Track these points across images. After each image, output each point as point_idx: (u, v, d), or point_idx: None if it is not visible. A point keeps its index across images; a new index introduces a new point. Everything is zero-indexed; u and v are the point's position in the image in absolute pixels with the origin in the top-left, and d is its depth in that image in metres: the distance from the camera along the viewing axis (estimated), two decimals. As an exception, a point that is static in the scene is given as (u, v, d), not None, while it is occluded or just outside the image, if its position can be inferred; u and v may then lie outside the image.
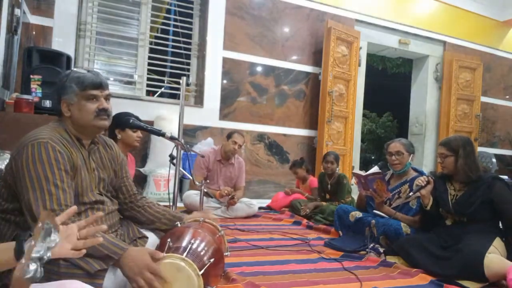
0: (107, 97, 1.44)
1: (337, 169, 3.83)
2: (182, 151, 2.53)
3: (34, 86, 2.80)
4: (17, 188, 1.26)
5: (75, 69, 1.45)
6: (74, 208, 1.01)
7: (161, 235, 1.71)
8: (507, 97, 6.90)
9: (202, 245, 1.38)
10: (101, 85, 1.41)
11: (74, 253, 0.95)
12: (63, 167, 1.28)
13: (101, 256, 1.21)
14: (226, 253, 1.69)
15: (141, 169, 4.12)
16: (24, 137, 1.30)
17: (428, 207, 2.30)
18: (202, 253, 1.35)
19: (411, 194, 2.42)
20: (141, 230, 1.69)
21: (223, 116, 4.77)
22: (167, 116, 4.26)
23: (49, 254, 0.80)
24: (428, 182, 2.34)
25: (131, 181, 1.70)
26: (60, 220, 0.97)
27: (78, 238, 0.97)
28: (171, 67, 4.86)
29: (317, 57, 5.22)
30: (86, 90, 1.38)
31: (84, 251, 0.96)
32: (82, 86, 1.38)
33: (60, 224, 0.95)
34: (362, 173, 2.73)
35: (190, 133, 4.56)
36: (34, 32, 3.87)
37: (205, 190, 2.95)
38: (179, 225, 1.62)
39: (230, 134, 3.70)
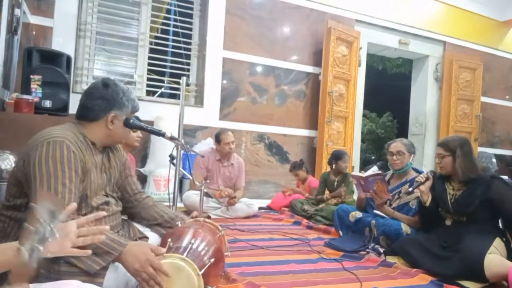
0: None
1: None
2: (182, 151, 2.53)
3: (34, 86, 2.80)
4: (27, 184, 1.27)
5: (125, 87, 1.53)
6: (73, 205, 1.00)
7: (162, 233, 1.72)
8: (507, 97, 6.90)
9: (202, 245, 1.38)
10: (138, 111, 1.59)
11: (75, 251, 0.94)
12: (74, 167, 1.29)
13: (100, 252, 1.21)
14: (227, 253, 1.69)
15: (141, 169, 4.12)
16: (39, 134, 1.32)
17: (427, 203, 2.31)
18: (202, 253, 1.35)
19: (410, 189, 2.43)
20: (142, 230, 1.69)
21: (223, 116, 4.77)
22: (167, 116, 4.26)
23: (48, 237, 0.80)
24: (427, 179, 2.34)
25: (135, 179, 1.74)
26: (60, 220, 0.96)
27: (77, 236, 0.96)
28: (171, 67, 4.86)
29: (317, 57, 5.22)
30: (133, 113, 1.54)
31: (89, 251, 0.96)
32: (133, 109, 1.54)
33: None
34: (362, 174, 2.73)
35: (190, 133, 4.56)
36: (34, 32, 3.87)
37: (205, 191, 2.95)
38: (179, 224, 1.63)
39: (218, 138, 3.65)
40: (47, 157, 1.25)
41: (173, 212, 1.80)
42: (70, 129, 1.39)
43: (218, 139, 3.67)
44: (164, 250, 1.27)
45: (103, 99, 1.44)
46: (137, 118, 2.40)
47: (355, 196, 3.56)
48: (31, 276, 0.81)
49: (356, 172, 4.27)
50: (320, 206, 3.70)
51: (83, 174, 1.35)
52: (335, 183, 3.82)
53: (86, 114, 1.45)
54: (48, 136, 1.29)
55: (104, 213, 1.11)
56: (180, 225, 1.59)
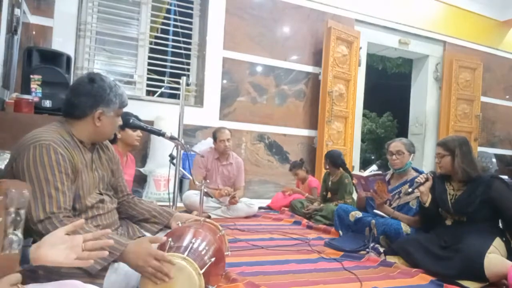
0: None
1: (327, 166, 3.85)
2: (182, 151, 2.53)
3: (34, 86, 2.79)
4: None
5: (112, 82, 1.47)
6: (81, 221, 1.03)
7: (154, 231, 1.73)
8: (507, 97, 6.90)
9: (203, 244, 1.38)
10: (127, 105, 1.52)
11: (79, 262, 0.96)
12: (64, 170, 1.28)
13: None
14: (227, 253, 1.69)
15: (141, 169, 4.12)
16: (25, 137, 1.29)
17: (427, 204, 2.31)
18: (203, 252, 1.35)
19: (410, 190, 2.43)
20: (141, 230, 1.70)
21: (223, 116, 4.76)
22: (167, 116, 4.26)
23: (19, 222, 0.80)
24: (427, 179, 2.35)
25: (124, 181, 1.73)
26: (67, 231, 0.98)
27: (83, 249, 0.98)
28: (171, 67, 4.86)
29: (317, 57, 5.22)
30: (121, 108, 1.48)
31: (91, 261, 0.98)
32: (121, 105, 1.47)
33: (66, 234, 0.97)
34: (362, 173, 2.73)
35: (190, 133, 4.56)
36: (34, 32, 3.87)
37: (205, 190, 2.95)
38: (171, 218, 1.67)
39: (214, 136, 3.70)
40: (35, 163, 1.23)
41: (161, 207, 1.80)
42: (56, 129, 1.36)
43: (214, 136, 3.69)
44: (164, 238, 1.28)
45: (89, 95, 1.38)
46: (137, 118, 2.42)
47: (354, 196, 3.56)
48: (18, 267, 0.81)
49: (357, 172, 4.27)
50: (315, 204, 3.75)
51: (74, 175, 1.33)
52: (330, 183, 3.84)
53: (72, 112, 1.40)
54: (33, 140, 1.26)
55: (109, 230, 1.11)
56: (180, 224, 1.60)
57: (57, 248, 0.94)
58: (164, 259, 1.21)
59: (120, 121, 1.52)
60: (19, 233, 0.81)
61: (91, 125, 1.41)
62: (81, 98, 1.38)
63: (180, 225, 1.58)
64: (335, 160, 3.78)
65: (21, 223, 0.82)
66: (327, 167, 3.83)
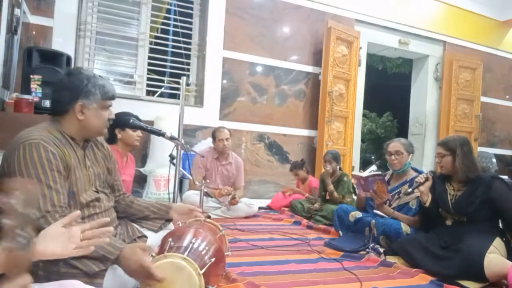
0: None
1: (338, 167, 3.80)
2: (182, 151, 2.53)
3: (34, 86, 2.79)
4: None
5: (91, 73, 1.44)
6: (77, 213, 1.03)
7: (155, 230, 1.74)
8: (507, 97, 6.89)
9: (203, 244, 1.39)
10: (114, 97, 1.48)
11: (78, 251, 0.97)
12: (56, 168, 1.27)
13: (97, 256, 1.21)
14: (227, 253, 1.69)
15: (141, 169, 4.12)
16: (15, 138, 1.29)
17: (427, 204, 2.31)
18: (203, 252, 1.35)
19: (410, 190, 2.43)
20: (141, 229, 1.70)
21: (223, 116, 4.76)
22: (167, 116, 4.26)
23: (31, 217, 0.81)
24: (427, 179, 2.35)
25: (120, 180, 1.74)
26: (63, 223, 0.98)
27: (81, 239, 0.98)
28: (171, 67, 4.85)
29: (317, 57, 5.22)
30: (106, 100, 1.44)
31: (91, 248, 0.98)
32: (104, 96, 1.42)
33: (62, 227, 0.97)
34: (362, 174, 2.74)
35: (190, 133, 4.56)
36: (34, 32, 3.87)
37: (205, 190, 2.95)
38: (170, 214, 1.66)
39: (213, 135, 3.71)
40: (26, 162, 1.22)
41: (159, 202, 1.80)
42: (46, 128, 1.35)
43: (213, 136, 3.70)
44: (153, 248, 1.27)
45: (66, 89, 1.38)
46: (137, 118, 2.42)
47: (354, 196, 3.56)
48: (29, 267, 0.82)
49: (356, 172, 4.27)
50: (315, 204, 3.73)
51: (66, 172, 1.32)
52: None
53: (56, 108, 1.40)
54: (23, 139, 1.26)
55: (108, 219, 1.11)
56: (180, 224, 1.60)
57: (55, 240, 0.94)
58: (150, 270, 1.17)
59: (111, 115, 1.49)
60: (27, 232, 0.81)
61: (75, 119, 1.39)
62: (60, 93, 1.39)
63: (180, 224, 1.58)
64: (339, 159, 3.79)
65: (30, 221, 0.83)
66: (338, 167, 3.79)
